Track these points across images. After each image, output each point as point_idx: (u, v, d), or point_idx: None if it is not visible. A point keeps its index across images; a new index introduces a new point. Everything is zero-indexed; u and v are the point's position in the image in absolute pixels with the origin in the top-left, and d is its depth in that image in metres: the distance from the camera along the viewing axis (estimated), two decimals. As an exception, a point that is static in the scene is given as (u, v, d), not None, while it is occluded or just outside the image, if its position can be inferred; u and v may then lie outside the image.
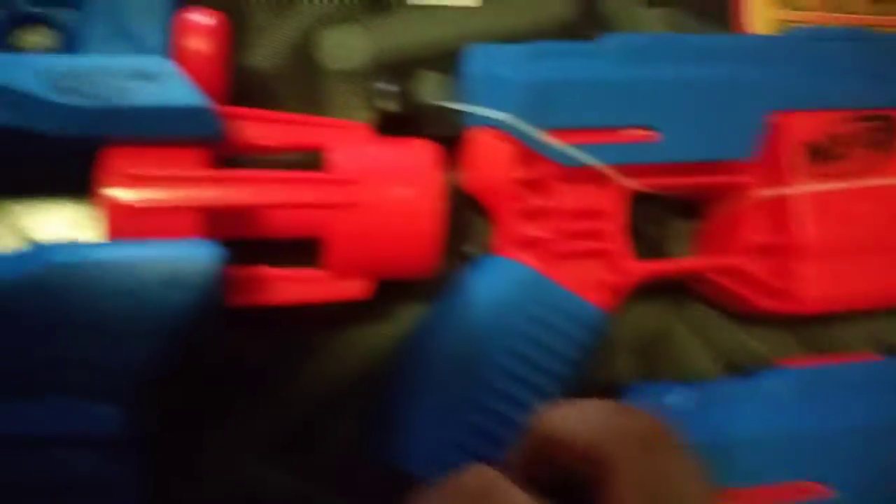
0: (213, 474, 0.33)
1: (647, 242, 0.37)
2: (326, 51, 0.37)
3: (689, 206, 0.39)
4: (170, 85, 0.28)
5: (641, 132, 0.34)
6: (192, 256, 0.26)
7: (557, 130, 0.33)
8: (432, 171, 0.31)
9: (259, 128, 0.30)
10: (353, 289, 0.31)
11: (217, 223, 0.29)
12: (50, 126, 0.27)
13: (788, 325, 0.39)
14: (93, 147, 0.28)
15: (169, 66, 0.28)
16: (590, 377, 0.35)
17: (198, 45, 0.30)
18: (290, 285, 0.31)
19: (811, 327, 0.39)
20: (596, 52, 0.35)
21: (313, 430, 0.34)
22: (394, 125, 0.33)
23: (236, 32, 0.35)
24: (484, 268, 0.33)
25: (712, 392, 0.34)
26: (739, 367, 0.37)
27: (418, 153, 0.31)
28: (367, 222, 0.29)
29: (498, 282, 0.32)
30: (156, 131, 0.28)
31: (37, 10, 0.31)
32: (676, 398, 0.34)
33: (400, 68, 0.38)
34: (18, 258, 0.26)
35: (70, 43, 0.31)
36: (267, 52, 0.37)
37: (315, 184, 0.29)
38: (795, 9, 0.43)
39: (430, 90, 0.36)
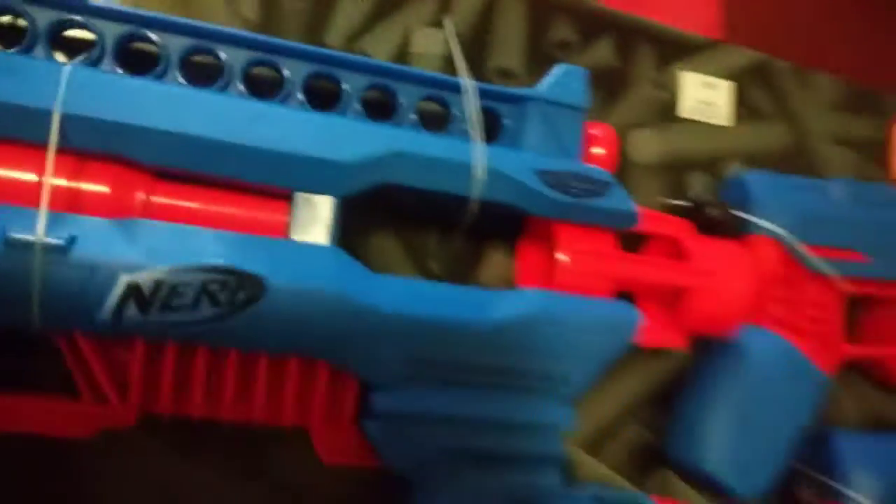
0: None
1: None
2: (632, 147, 0.50)
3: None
4: (613, 192, 0.40)
5: (858, 255, 0.49)
6: (623, 313, 0.39)
7: (808, 245, 0.47)
8: (745, 262, 0.44)
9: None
10: (675, 340, 0.44)
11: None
12: (538, 210, 0.39)
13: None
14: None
15: (608, 177, 0.40)
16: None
17: (601, 151, 0.42)
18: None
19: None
20: (832, 191, 0.49)
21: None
22: (711, 226, 0.46)
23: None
24: (750, 337, 0.47)
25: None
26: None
27: (742, 253, 0.44)
28: (713, 300, 0.43)
29: (762, 350, 0.46)
30: (595, 221, 0.40)
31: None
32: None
33: (677, 168, 0.51)
34: (519, 299, 0.38)
35: (510, 136, 0.42)
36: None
37: (686, 271, 0.42)
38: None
39: (700, 189, 0.50)
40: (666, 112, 0.52)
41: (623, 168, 0.50)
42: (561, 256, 0.40)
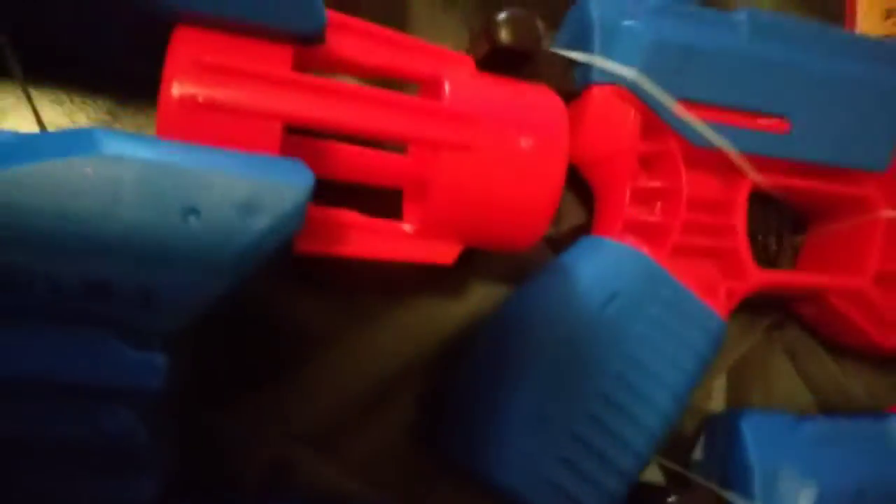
0: (236, 447, 0.27)
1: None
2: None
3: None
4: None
5: (774, 120, 0.30)
6: (281, 177, 0.21)
7: (686, 102, 0.29)
8: (563, 125, 0.26)
9: (360, 42, 0.25)
10: (440, 252, 0.26)
11: (293, 150, 0.23)
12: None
13: (881, 367, 0.35)
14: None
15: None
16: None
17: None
18: (368, 236, 0.25)
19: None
20: (729, 22, 0.30)
21: (362, 411, 0.28)
22: (503, 63, 0.27)
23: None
24: (589, 252, 0.28)
25: (815, 428, 0.30)
26: (832, 405, 0.33)
27: (546, 100, 0.26)
28: (478, 173, 0.24)
29: (609, 269, 0.27)
30: (244, 13, 0.22)
31: None
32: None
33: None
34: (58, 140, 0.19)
35: None
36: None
37: (425, 113, 0.24)
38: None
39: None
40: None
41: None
42: (167, 80, 0.22)
